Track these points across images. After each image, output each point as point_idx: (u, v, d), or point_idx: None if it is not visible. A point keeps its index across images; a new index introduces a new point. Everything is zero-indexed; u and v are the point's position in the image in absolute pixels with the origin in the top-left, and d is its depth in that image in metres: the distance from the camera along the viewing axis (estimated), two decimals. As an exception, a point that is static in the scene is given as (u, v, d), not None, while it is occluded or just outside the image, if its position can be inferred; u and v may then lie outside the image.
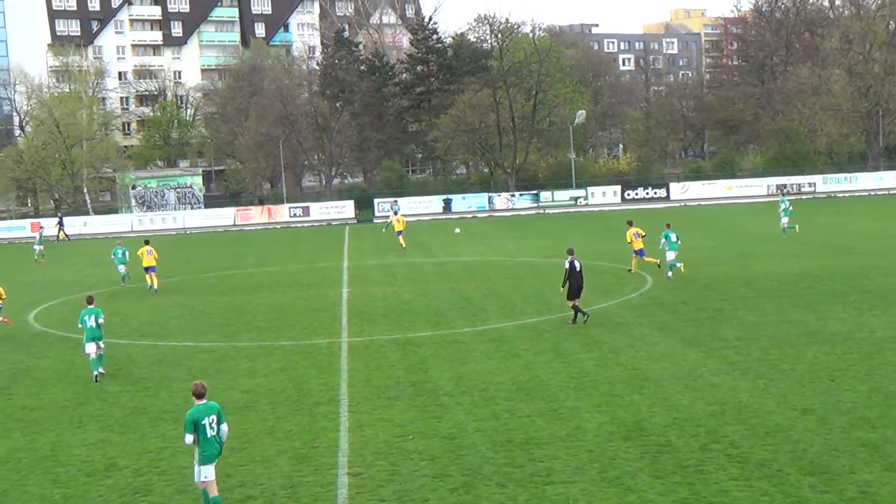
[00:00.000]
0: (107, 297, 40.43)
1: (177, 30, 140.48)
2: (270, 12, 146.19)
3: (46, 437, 20.36)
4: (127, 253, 45.42)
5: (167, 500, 16.49)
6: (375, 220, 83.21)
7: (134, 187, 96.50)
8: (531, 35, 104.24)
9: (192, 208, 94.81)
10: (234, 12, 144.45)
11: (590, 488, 15.87)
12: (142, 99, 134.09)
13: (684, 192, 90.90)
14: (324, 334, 30.46)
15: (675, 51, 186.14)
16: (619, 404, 20.51)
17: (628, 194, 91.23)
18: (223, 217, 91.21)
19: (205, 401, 15.51)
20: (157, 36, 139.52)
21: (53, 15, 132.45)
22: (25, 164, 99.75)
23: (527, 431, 18.94)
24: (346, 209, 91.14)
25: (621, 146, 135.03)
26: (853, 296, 32.33)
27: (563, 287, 29.53)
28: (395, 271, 46.42)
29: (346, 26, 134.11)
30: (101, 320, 25.85)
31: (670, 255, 38.62)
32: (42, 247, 62.30)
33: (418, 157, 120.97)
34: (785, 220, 52.44)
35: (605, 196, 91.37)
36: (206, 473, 15.25)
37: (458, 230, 65.72)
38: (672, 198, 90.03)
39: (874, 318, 28.35)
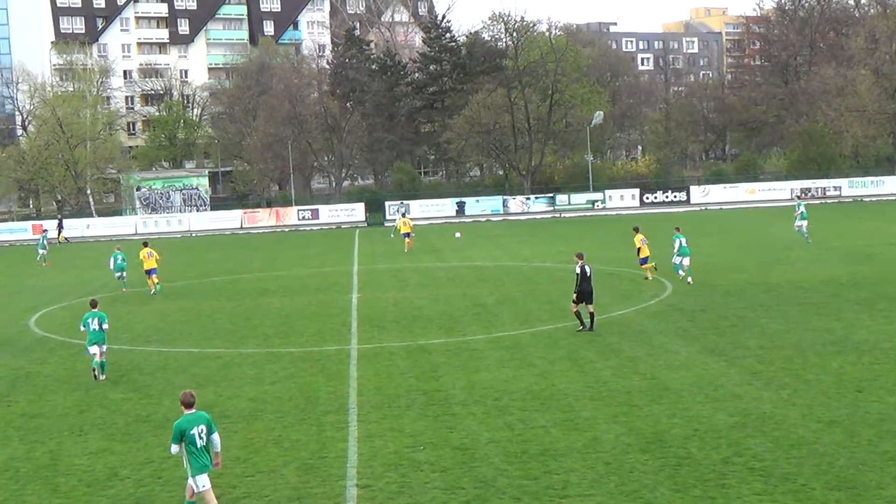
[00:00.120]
0: (110, 302, 40.44)
1: (183, 27, 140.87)
2: (279, 10, 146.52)
3: (46, 446, 20.33)
4: (125, 259, 45.56)
5: (170, 512, 16.43)
6: (386, 224, 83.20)
7: (138, 189, 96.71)
8: (547, 33, 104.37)
9: (197, 210, 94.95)
10: (243, 10, 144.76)
11: (607, 502, 15.76)
12: (147, 98, 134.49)
13: (705, 195, 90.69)
14: (332, 341, 30.41)
15: (696, 50, 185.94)
16: (638, 415, 20.39)
17: (647, 198, 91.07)
18: (230, 220, 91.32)
19: (194, 410, 15.46)
20: (163, 34, 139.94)
21: (57, 12, 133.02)
22: (27, 164, 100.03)
23: (542, 442, 18.83)
24: (356, 212, 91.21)
25: (640, 148, 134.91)
26: (881, 304, 32.16)
27: (575, 295, 29.51)
28: (406, 276, 46.38)
29: (357, 24, 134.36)
30: (105, 325, 26.14)
31: (685, 261, 39.21)
32: (45, 251, 62.42)
33: (431, 158, 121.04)
34: (801, 223, 52.37)
35: (623, 199, 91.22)
36: (203, 482, 15.18)
37: (458, 234, 65.80)
38: (692, 201, 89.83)
39: (902, 327, 28.19)
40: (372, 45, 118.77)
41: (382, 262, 53.86)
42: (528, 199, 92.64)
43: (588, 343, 27.84)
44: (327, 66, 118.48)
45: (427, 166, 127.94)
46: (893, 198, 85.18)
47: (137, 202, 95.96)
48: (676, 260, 39.66)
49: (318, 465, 18.18)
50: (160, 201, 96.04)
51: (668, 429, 19.32)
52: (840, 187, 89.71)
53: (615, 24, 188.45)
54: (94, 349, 25.92)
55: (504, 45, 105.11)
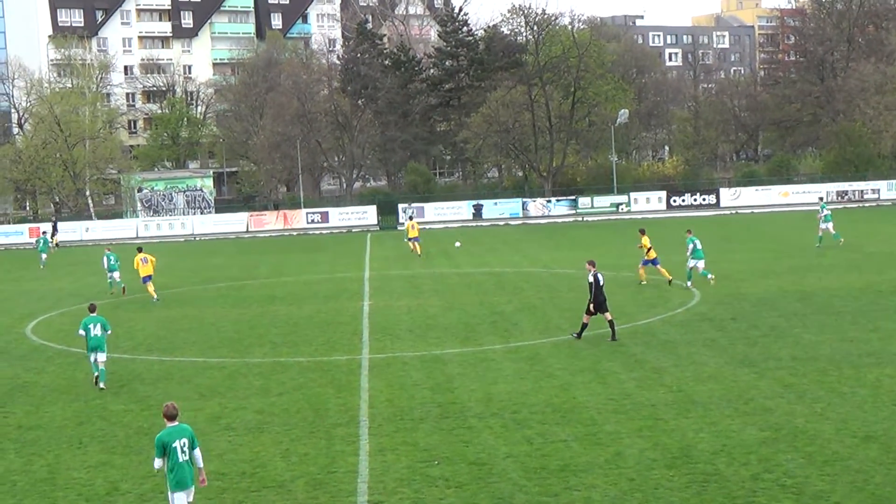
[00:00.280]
0: (111, 308, 40.64)
1: (187, 20, 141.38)
2: (288, 2, 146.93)
3: (44, 459, 20.49)
4: (118, 260, 46.42)
5: (173, 528, 16.54)
6: (399, 227, 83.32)
7: (140, 190, 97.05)
8: (570, 27, 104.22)
9: (202, 213, 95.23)
10: (249, 2, 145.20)
11: (630, 520, 15.83)
12: (149, 95, 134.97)
13: (736, 198, 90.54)
14: (343, 350, 30.52)
15: (727, 45, 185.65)
16: (663, 429, 20.45)
17: (674, 201, 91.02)
18: (235, 223, 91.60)
19: (177, 423, 15.67)
20: (165, 27, 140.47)
21: (55, 4, 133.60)
22: (24, 164, 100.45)
23: (562, 457, 18.91)
24: (367, 215, 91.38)
25: (667, 148, 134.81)
26: (920, 313, 32.17)
27: (591, 306, 29.65)
28: (420, 283, 46.47)
29: (370, 17, 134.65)
30: (108, 331, 26.71)
31: (700, 264, 39.77)
32: (45, 255, 63.06)
33: (446, 158, 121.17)
34: (826, 225, 52.52)
35: (649, 202, 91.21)
36: (180, 500, 15.32)
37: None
38: (722, 204, 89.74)
39: (943, 338, 28.18)
40: (385, 40, 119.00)
41: (395, 267, 53.98)
42: (548, 201, 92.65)
43: (611, 353, 27.90)
44: (338, 62, 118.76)
45: (443, 167, 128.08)
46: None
47: (139, 204, 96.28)
48: (690, 263, 40.03)
49: (328, 480, 18.29)
50: (162, 203, 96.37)
51: (695, 444, 19.38)
52: (879, 190, 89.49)
53: (642, 17, 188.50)
54: (93, 356, 26.43)
55: (524, 39, 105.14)
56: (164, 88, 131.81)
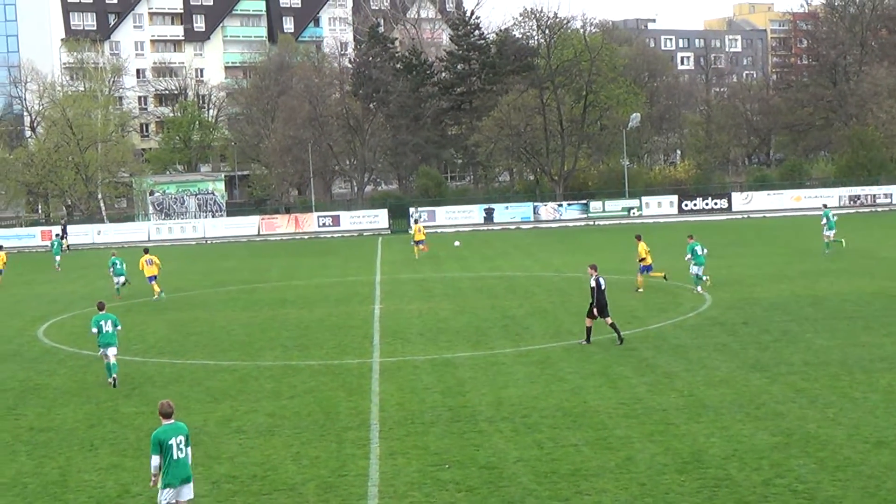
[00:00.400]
0: (123, 311, 40.64)
1: (199, 24, 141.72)
2: (300, 5, 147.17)
3: (55, 461, 20.54)
4: (124, 264, 47.06)
5: (183, 531, 16.57)
6: (410, 231, 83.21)
7: (152, 193, 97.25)
8: (582, 31, 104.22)
9: (213, 216, 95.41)
10: (261, 5, 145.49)
11: (641, 525, 15.82)
12: (161, 98, 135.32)
13: (748, 202, 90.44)
14: (354, 354, 30.55)
15: (739, 49, 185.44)
16: (674, 434, 20.43)
17: (686, 205, 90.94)
18: (247, 226, 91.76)
19: (172, 420, 15.83)
20: (177, 31, 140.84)
21: (68, 8, 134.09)
22: (36, 167, 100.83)
23: (573, 462, 18.91)
24: (379, 218, 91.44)
25: (679, 152, 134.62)
26: (933, 318, 32.09)
27: (594, 309, 29.81)
28: (431, 286, 46.50)
29: (381, 21, 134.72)
30: (119, 327, 27.36)
31: (697, 270, 40.00)
32: (59, 257, 63.57)
33: (458, 162, 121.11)
34: (829, 233, 52.62)
35: (660, 207, 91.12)
36: (167, 497, 15.50)
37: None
38: (734, 209, 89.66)
39: (956, 343, 28.10)
40: (396, 43, 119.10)
41: (406, 271, 54.01)
42: (560, 205, 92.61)
43: (622, 358, 27.88)
44: (350, 65, 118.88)
45: (454, 171, 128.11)
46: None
47: (150, 207, 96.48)
48: (694, 270, 40.16)
49: (339, 484, 18.31)
50: (174, 206, 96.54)
51: (707, 448, 19.36)
52: (891, 195, 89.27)
53: (654, 20, 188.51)
54: (103, 351, 27.04)
55: (536, 43, 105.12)
56: (175, 92, 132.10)
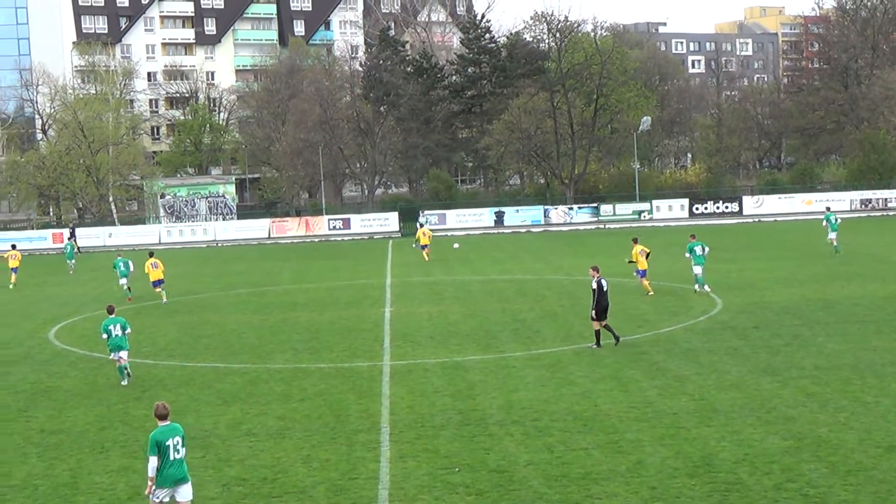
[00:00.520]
0: (133, 314, 40.79)
1: (210, 27, 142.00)
2: (310, 9, 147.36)
3: (66, 463, 20.59)
4: (131, 264, 47.57)
5: (194, 533, 16.60)
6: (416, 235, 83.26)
7: (163, 196, 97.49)
8: (592, 34, 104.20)
9: (224, 219, 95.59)
10: (272, 9, 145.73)
11: (652, 529, 15.79)
12: (172, 101, 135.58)
13: (759, 206, 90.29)
14: (364, 357, 30.56)
15: (750, 52, 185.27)
16: (685, 437, 20.40)
17: (697, 208, 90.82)
18: (257, 229, 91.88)
19: (168, 422, 15.98)
20: (189, 34, 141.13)
21: (79, 11, 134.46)
22: (48, 170, 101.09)
23: (583, 465, 18.89)
24: (389, 222, 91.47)
25: (690, 156, 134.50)
26: (945, 322, 31.99)
27: (593, 310, 29.89)
28: (441, 289, 46.50)
29: (392, 24, 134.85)
30: (128, 330, 27.57)
31: (697, 270, 40.35)
32: (73, 261, 63.80)
33: (468, 165, 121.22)
34: (832, 235, 53.10)
35: (671, 210, 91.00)
36: (159, 496, 15.64)
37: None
38: (745, 212, 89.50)
39: (968, 347, 28.01)
40: (407, 47, 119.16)
41: (417, 274, 54.02)
42: (570, 208, 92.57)
43: (633, 361, 27.85)
44: (360, 69, 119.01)
45: (464, 174, 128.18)
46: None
47: (161, 210, 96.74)
48: (697, 270, 40.52)
49: (349, 487, 18.31)
50: (185, 209, 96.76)
51: (717, 452, 19.32)
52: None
53: (664, 24, 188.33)
54: (117, 354, 27.37)
55: (546, 46, 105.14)
56: (187, 95, 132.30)
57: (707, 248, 41.35)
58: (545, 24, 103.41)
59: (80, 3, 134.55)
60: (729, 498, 16.92)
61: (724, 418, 21.67)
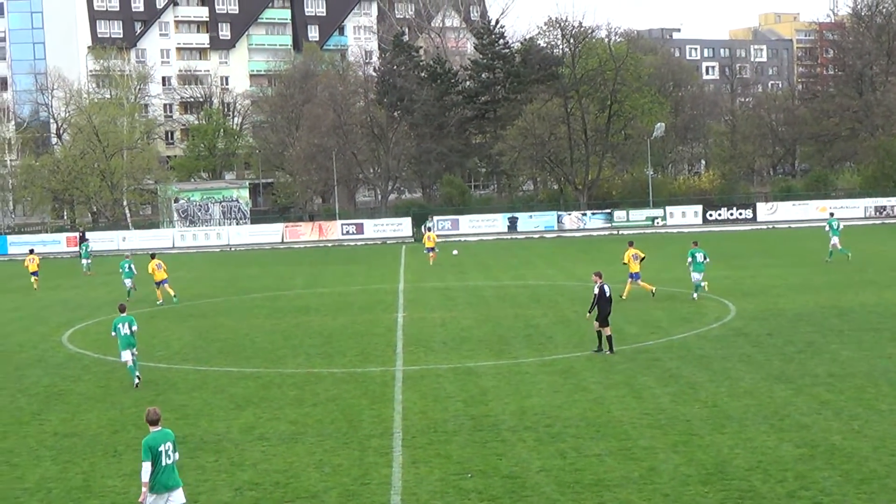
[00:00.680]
0: (146, 318, 40.92)
1: (224, 32, 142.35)
2: (325, 14, 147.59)
3: (79, 466, 20.63)
4: (133, 266, 48.87)
5: (206, 538, 16.63)
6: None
7: (176, 200, 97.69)
8: (606, 40, 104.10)
9: (237, 223, 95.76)
10: (286, 14, 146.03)
11: (664, 536, 15.76)
12: (186, 106, 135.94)
13: (773, 212, 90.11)
14: (377, 362, 30.57)
15: (765, 59, 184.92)
16: (698, 444, 20.35)
17: (710, 215, 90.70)
18: (271, 233, 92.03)
19: (159, 427, 16.01)
20: (203, 39, 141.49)
21: (95, 16, 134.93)
22: (62, 173, 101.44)
23: (596, 472, 18.86)
24: (402, 227, 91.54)
25: (703, 162, 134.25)
26: (960, 330, 31.87)
27: (589, 313, 30.32)
28: (454, 295, 46.49)
29: (406, 30, 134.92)
30: (134, 328, 28.01)
31: (696, 277, 40.70)
32: (89, 260, 64.27)
33: (482, 171, 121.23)
34: (834, 240, 53.27)
35: (685, 216, 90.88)
36: (151, 501, 15.65)
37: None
38: (759, 219, 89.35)
39: (983, 356, 27.90)
40: (421, 52, 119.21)
41: (429, 279, 54.02)
42: (584, 214, 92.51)
43: (646, 368, 27.81)
44: (374, 74, 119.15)
45: (478, 179, 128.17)
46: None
47: (175, 214, 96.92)
48: (695, 276, 40.88)
49: (361, 492, 18.31)
50: (199, 214, 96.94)
51: (731, 460, 19.27)
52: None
53: (679, 30, 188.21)
54: (126, 355, 27.83)
55: (560, 52, 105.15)
56: (201, 99, 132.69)
57: (708, 259, 41.45)
58: (559, 29, 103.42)
59: (96, 8, 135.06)
60: (742, 505, 16.88)
61: (738, 425, 21.62)
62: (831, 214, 60.61)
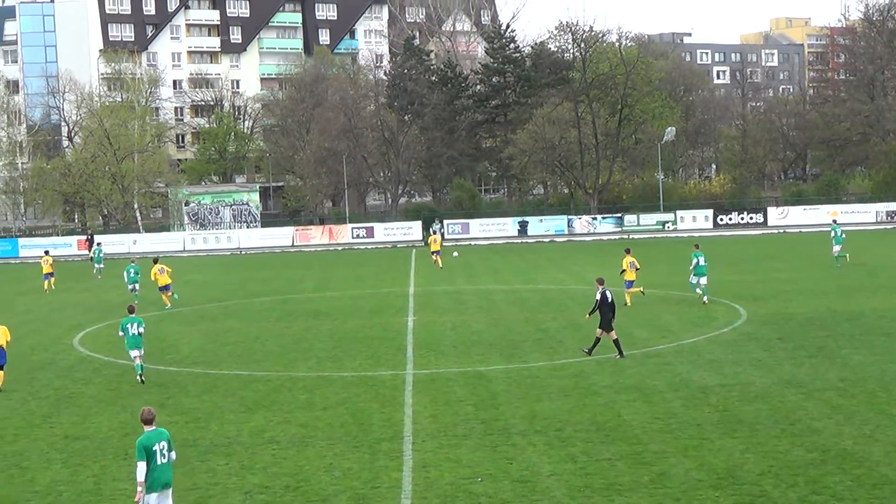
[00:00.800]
0: (156, 322, 41.02)
1: (236, 36, 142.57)
2: (336, 18, 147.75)
3: (90, 469, 20.66)
4: (138, 271, 49.01)
5: (216, 541, 16.64)
6: (444, 243, 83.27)
7: (187, 203, 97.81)
8: (617, 44, 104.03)
9: (248, 227, 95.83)
10: (297, 18, 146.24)
11: (675, 540, 15.72)
12: (197, 109, 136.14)
13: (783, 217, 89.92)
14: (387, 365, 30.57)
15: (776, 63, 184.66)
16: (709, 449, 20.31)
17: (721, 219, 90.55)
18: (281, 237, 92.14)
19: (154, 427, 16.09)
20: (214, 42, 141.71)
21: (106, 19, 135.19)
22: (73, 177, 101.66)
23: (606, 476, 18.83)
24: (412, 230, 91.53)
25: (714, 167, 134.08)
26: (972, 335, 31.77)
27: (588, 316, 30.84)
28: (464, 299, 46.49)
29: (417, 34, 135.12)
30: (142, 329, 28.65)
31: (702, 281, 41.26)
32: (102, 265, 64.42)
33: (492, 175, 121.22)
34: (837, 247, 53.62)
35: (695, 221, 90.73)
36: (151, 501, 15.69)
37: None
38: (770, 223, 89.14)
39: None
40: (432, 56, 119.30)
41: (440, 283, 54.01)
42: (594, 219, 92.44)
43: (656, 372, 27.77)
44: (385, 77, 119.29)
45: (488, 183, 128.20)
46: None
47: (186, 217, 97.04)
48: (693, 280, 41.55)
49: (371, 495, 18.30)
50: (209, 217, 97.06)
51: (742, 464, 19.23)
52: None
53: (690, 34, 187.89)
54: (134, 353, 28.59)
55: (571, 56, 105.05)
56: (212, 103, 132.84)
57: (706, 263, 41.85)
58: (570, 33, 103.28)
59: (108, 11, 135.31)
60: (753, 510, 16.84)
61: (749, 430, 21.57)
62: (834, 221, 60.63)
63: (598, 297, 30.00)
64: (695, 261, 41.46)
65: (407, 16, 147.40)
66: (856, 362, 28.21)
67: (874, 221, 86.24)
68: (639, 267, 42.30)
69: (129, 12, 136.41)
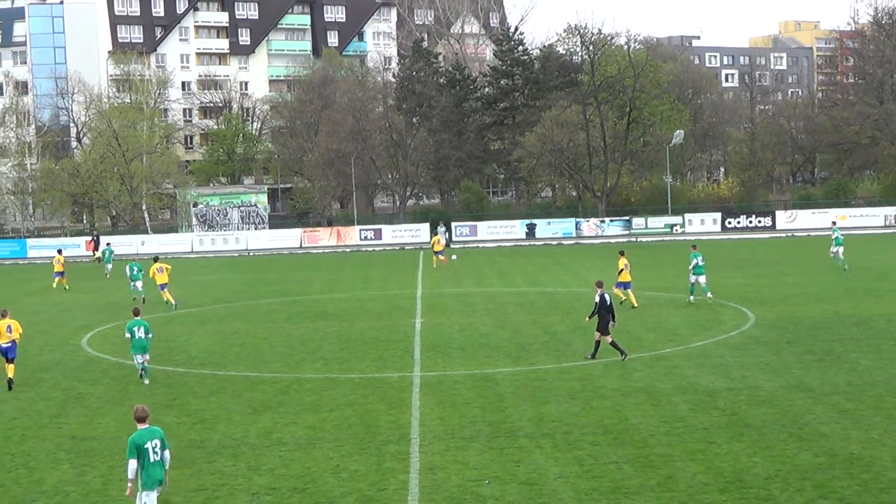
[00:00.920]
0: (163, 322, 41.07)
1: (244, 37, 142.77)
2: (344, 20, 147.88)
3: (97, 470, 20.70)
4: (140, 268, 49.67)
5: (223, 542, 16.66)
6: (452, 245, 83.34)
7: (195, 205, 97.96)
8: (626, 47, 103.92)
9: (256, 228, 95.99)
10: (306, 20, 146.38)
11: (682, 544, 15.71)
12: (206, 111, 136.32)
13: (792, 220, 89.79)
14: (394, 368, 30.57)
15: (784, 66, 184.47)
16: (716, 452, 20.29)
17: (729, 222, 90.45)
18: (289, 238, 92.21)
19: (147, 425, 16.21)
20: (223, 44, 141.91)
21: (115, 20, 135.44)
22: (82, 177, 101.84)
23: (613, 479, 18.82)
24: (420, 232, 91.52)
25: (723, 170, 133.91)
26: (980, 340, 31.69)
27: (588, 318, 31.15)
28: (472, 301, 46.48)
29: (425, 36, 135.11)
30: (150, 335, 29.00)
31: (701, 279, 41.66)
32: (112, 265, 64.62)
33: (500, 177, 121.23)
34: (836, 249, 53.78)
35: (703, 224, 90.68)
36: (147, 500, 15.80)
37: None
38: (778, 227, 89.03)
39: None
40: (440, 58, 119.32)
41: (448, 285, 54.01)
42: (602, 221, 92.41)
43: (664, 376, 27.74)
44: (393, 80, 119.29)
45: (496, 186, 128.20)
46: None
47: (194, 219, 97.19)
48: (692, 279, 41.89)
49: (378, 498, 18.31)
50: (217, 218, 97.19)
51: (749, 468, 19.21)
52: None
53: (698, 37, 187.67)
54: (139, 358, 28.91)
55: (580, 59, 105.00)
56: (220, 104, 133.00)
57: (704, 262, 42.28)
58: (578, 36, 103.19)
59: (117, 13, 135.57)
60: (760, 514, 16.82)
61: (756, 434, 21.55)
62: (833, 223, 60.61)
63: (597, 299, 30.16)
64: (694, 261, 41.84)
65: (415, 18, 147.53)
66: (864, 366, 28.16)
67: (883, 225, 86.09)
68: (629, 269, 42.18)
69: (138, 14, 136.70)
